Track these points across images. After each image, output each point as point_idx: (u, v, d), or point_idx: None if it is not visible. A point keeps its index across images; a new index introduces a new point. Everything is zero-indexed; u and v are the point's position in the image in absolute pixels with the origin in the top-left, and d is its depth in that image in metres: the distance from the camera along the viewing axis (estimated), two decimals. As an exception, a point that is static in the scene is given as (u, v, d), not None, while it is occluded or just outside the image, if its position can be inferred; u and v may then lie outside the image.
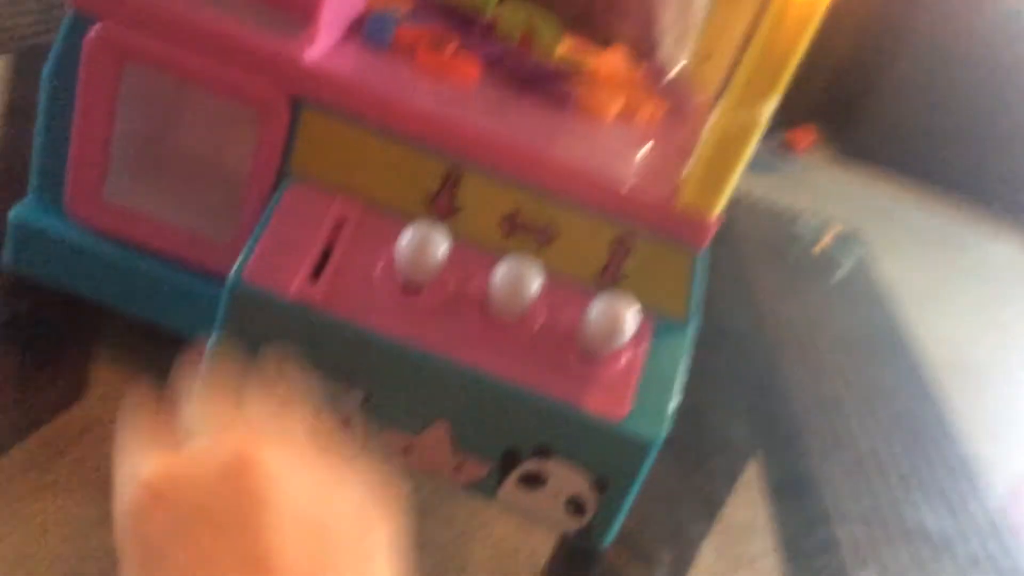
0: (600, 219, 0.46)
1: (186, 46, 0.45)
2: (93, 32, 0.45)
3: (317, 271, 0.45)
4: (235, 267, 0.44)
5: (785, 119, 2.98)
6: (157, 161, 0.52)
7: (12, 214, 0.49)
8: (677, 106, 0.58)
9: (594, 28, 0.80)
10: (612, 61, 0.60)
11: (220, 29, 0.45)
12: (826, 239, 0.97)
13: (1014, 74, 2.65)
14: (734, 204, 1.03)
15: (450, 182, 0.46)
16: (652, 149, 0.52)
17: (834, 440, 0.83)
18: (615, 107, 0.55)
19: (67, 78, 0.46)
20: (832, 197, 2.49)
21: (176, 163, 0.53)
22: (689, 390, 0.47)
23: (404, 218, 0.46)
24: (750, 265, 0.96)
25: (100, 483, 0.49)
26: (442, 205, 0.47)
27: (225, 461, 0.24)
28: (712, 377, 0.86)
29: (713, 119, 0.44)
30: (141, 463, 0.25)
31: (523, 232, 0.47)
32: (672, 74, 0.60)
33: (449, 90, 0.50)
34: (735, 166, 0.44)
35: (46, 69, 0.47)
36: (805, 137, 2.99)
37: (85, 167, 0.48)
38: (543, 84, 0.54)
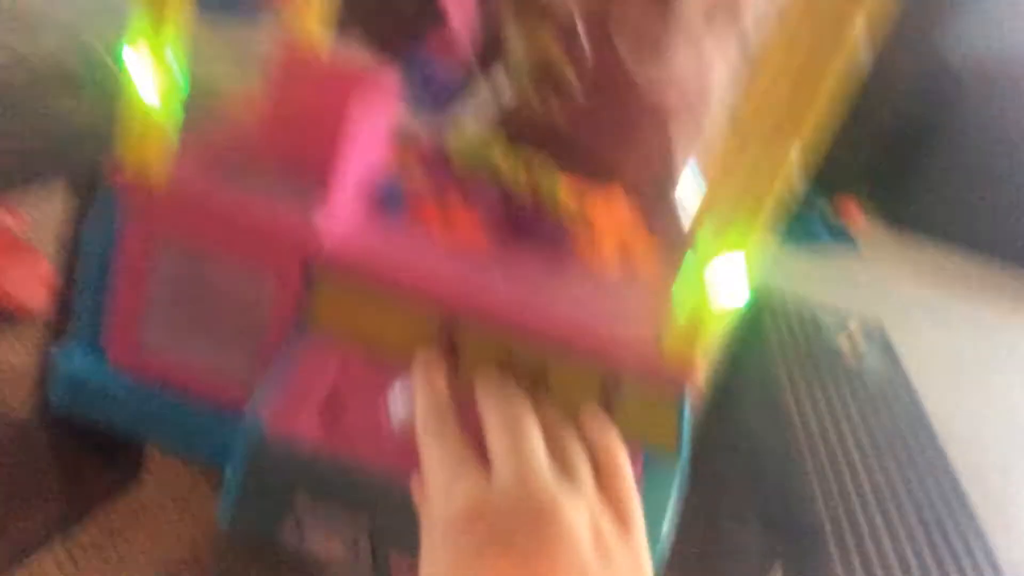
0: (588, 363, 0.50)
1: (212, 221, 0.50)
2: (132, 215, 0.50)
3: (325, 412, 0.49)
4: (249, 409, 0.48)
5: (831, 189, 3.00)
6: (188, 313, 0.57)
7: (58, 360, 0.55)
8: (672, 245, 0.61)
9: (597, 166, 0.84)
10: (609, 203, 0.64)
11: (241, 206, 0.50)
12: (851, 329, 0.98)
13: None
14: (761, 291, 1.06)
15: (447, 333, 0.50)
16: (641, 291, 0.55)
17: (858, 546, 0.83)
18: (610, 250, 0.59)
19: (106, 242, 0.52)
20: (870, 273, 2.49)
21: (205, 315, 0.58)
22: (702, 495, 0.50)
23: (406, 364, 0.50)
24: (772, 357, 0.97)
25: (155, 562, 0.53)
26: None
27: (534, 507, 0.35)
28: (727, 480, 0.87)
29: (689, 261, 0.48)
30: (458, 479, 0.37)
31: (518, 376, 0.50)
32: (669, 213, 0.64)
33: (452, 245, 0.54)
34: (714, 310, 0.47)
35: (86, 233, 0.52)
36: (851, 207, 3.00)
37: (123, 320, 0.53)
38: (541, 230, 0.58)
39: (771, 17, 0.80)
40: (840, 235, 2.81)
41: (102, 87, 0.90)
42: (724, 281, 0.46)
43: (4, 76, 0.92)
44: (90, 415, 0.55)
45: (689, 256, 0.48)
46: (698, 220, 0.65)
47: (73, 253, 0.90)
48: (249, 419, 0.48)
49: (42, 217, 1.56)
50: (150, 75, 0.48)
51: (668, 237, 0.62)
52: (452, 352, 0.50)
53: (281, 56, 0.58)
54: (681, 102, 0.87)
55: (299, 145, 0.59)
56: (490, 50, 0.94)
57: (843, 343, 0.95)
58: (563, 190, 0.64)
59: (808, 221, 2.77)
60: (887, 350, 1.00)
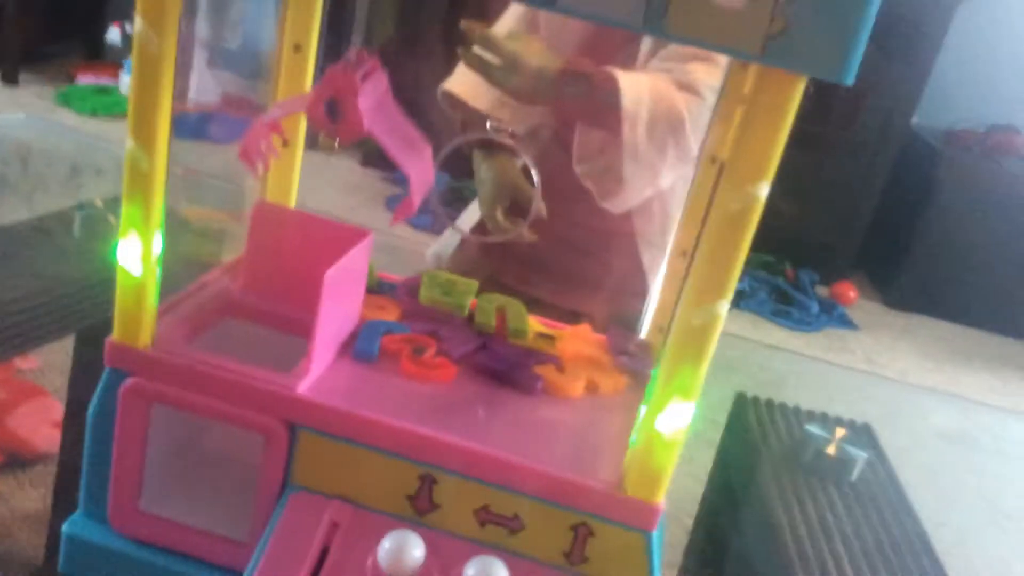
0: (559, 508, 0.53)
1: (200, 390, 0.54)
2: (126, 385, 0.54)
3: (316, 571, 0.52)
4: (246, 574, 0.51)
5: (828, 275, 3.04)
6: (182, 476, 0.61)
7: (65, 527, 0.58)
8: (636, 379, 0.65)
9: (569, 290, 0.90)
10: (576, 339, 0.68)
11: (226, 375, 0.54)
12: (839, 436, 1.00)
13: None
14: (745, 401, 1.07)
15: (427, 484, 0.54)
16: (608, 430, 0.59)
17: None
18: (578, 387, 0.62)
19: (106, 418, 0.56)
20: (867, 351, 2.50)
21: (198, 477, 0.61)
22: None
23: (390, 517, 0.53)
24: (764, 466, 0.99)
25: None
26: (422, 504, 0.54)
27: None
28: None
29: (642, 412, 0.51)
30: None
31: (494, 523, 0.53)
32: (633, 347, 0.68)
33: (428, 395, 0.58)
34: (671, 454, 0.51)
35: (90, 412, 0.57)
36: (849, 291, 3.04)
37: (123, 486, 0.57)
38: (513, 373, 0.62)
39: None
40: (838, 318, 2.84)
41: (101, 246, 0.96)
42: (670, 425, 0.49)
43: (11, 238, 0.98)
44: (94, 578, 0.58)
45: (642, 410, 0.51)
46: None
47: (79, 404, 0.94)
48: (244, 583, 0.51)
49: (53, 360, 1.61)
50: (137, 255, 0.52)
51: (636, 369, 0.66)
52: (431, 505, 0.53)
53: (259, 219, 0.64)
54: (648, 227, 0.92)
55: (279, 304, 0.63)
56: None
57: (832, 452, 0.97)
58: (533, 330, 0.68)
59: (806, 307, 2.81)
60: (877, 454, 1.01)
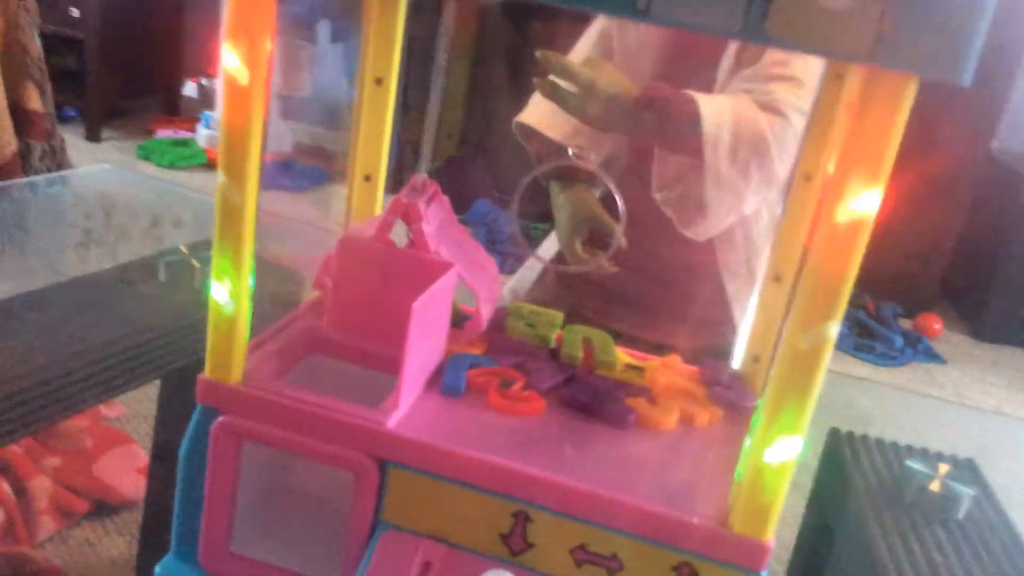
0: (660, 546, 0.50)
1: (291, 427, 0.53)
2: (218, 423, 0.54)
3: (409, 615, 0.50)
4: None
5: (911, 307, 2.94)
6: (273, 515, 0.60)
7: (157, 570, 0.58)
8: (731, 410, 0.62)
9: (652, 324, 0.87)
10: (667, 370, 0.66)
11: (317, 411, 0.53)
12: (944, 473, 0.95)
13: None
14: (839, 437, 1.02)
15: (520, 522, 0.52)
16: (707, 464, 0.56)
17: None
18: (672, 420, 0.60)
19: (198, 456, 0.55)
20: (956, 387, 2.39)
21: (289, 517, 0.61)
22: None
23: (483, 557, 0.52)
24: (862, 506, 0.94)
25: None
26: (515, 543, 0.52)
27: None
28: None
29: (747, 444, 0.48)
30: None
31: (592, 562, 0.51)
32: (726, 377, 0.65)
33: (517, 429, 0.56)
34: (779, 487, 0.48)
35: (182, 451, 0.56)
36: (932, 323, 2.92)
37: (215, 527, 0.56)
38: (603, 405, 0.60)
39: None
40: (924, 351, 2.74)
41: (184, 292, 0.98)
42: (781, 462, 0.47)
43: (96, 287, 1.00)
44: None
45: (747, 442, 0.49)
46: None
47: (165, 449, 0.95)
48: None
49: (137, 408, 1.64)
50: (229, 291, 0.52)
51: (731, 400, 0.63)
52: (526, 544, 0.52)
53: (344, 253, 0.63)
54: (731, 256, 0.89)
55: (364, 339, 0.63)
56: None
57: (936, 489, 0.91)
58: (620, 361, 0.66)
59: (890, 341, 2.71)
60: (983, 490, 0.96)
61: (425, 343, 0.58)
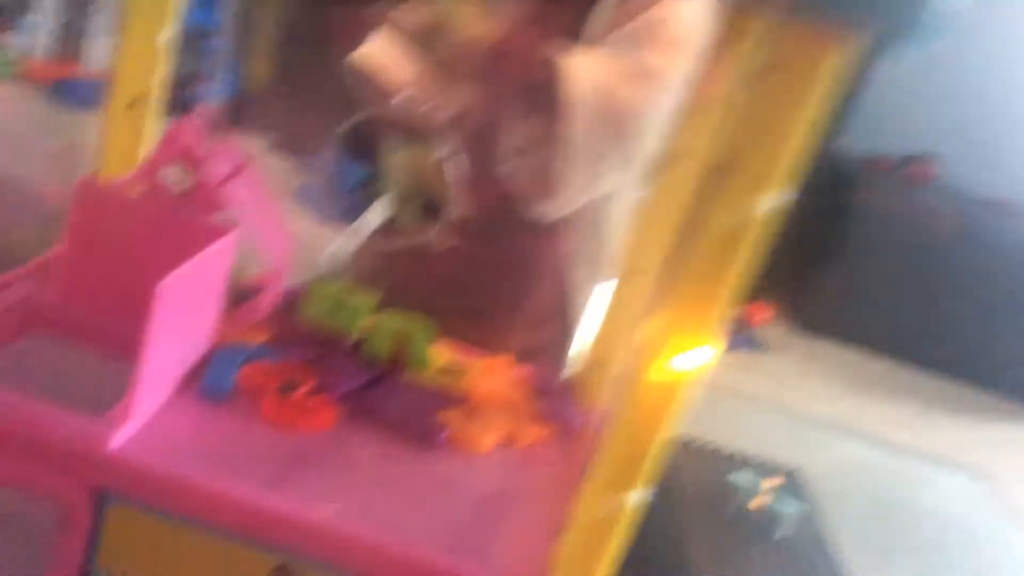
0: (460, 615, 0.39)
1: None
2: None
3: None
4: None
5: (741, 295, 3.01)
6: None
7: None
8: (562, 429, 0.52)
9: (483, 317, 0.77)
10: (490, 375, 0.55)
11: (11, 416, 0.39)
12: (766, 490, 0.90)
13: (957, 242, 2.71)
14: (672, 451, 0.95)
15: (282, 577, 0.40)
16: (527, 502, 0.46)
17: None
18: (490, 439, 0.49)
19: None
20: (780, 379, 2.46)
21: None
22: None
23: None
24: (684, 521, 0.89)
25: None
26: (276, 606, 0.40)
27: None
28: None
29: (580, 508, 0.38)
30: None
31: (372, 632, 0.40)
32: (556, 387, 0.55)
33: (293, 452, 0.44)
34: (614, 547, 0.38)
35: None
36: (761, 312, 3.00)
37: None
38: (410, 420, 0.48)
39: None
40: (750, 341, 2.80)
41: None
42: (620, 516, 0.37)
43: None
44: None
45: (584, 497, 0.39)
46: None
47: None
48: None
49: None
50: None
51: (560, 418, 0.53)
52: (285, 608, 0.40)
53: (84, 203, 0.48)
54: (577, 242, 0.79)
55: (104, 316, 0.48)
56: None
57: (758, 507, 0.87)
58: (437, 361, 0.55)
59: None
60: (806, 504, 0.92)
61: (180, 330, 0.45)
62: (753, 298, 3.08)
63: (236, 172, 0.50)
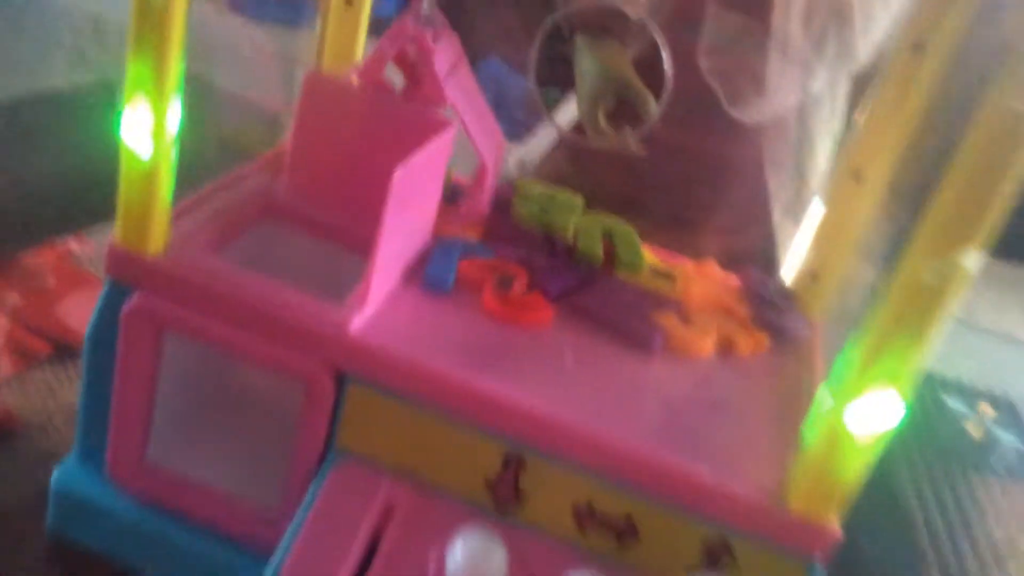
0: (689, 516, 0.39)
1: (223, 317, 0.41)
2: (130, 302, 0.41)
3: (362, 569, 0.39)
4: (273, 563, 0.39)
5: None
6: (201, 426, 0.49)
7: (54, 478, 0.46)
8: (782, 339, 0.50)
9: (680, 221, 0.74)
10: (702, 279, 0.53)
11: (257, 301, 0.40)
12: (982, 412, 0.84)
13: None
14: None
15: (512, 466, 0.40)
16: (754, 409, 0.44)
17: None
18: (708, 345, 0.48)
19: (107, 345, 0.43)
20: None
21: (221, 429, 0.49)
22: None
23: (461, 504, 0.40)
24: (892, 448, 0.85)
25: None
26: (504, 491, 0.41)
27: None
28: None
29: (822, 398, 0.37)
30: None
31: (599, 526, 0.40)
32: (773, 294, 0.53)
33: (516, 345, 0.44)
34: (861, 463, 0.36)
35: (86, 335, 0.44)
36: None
37: (126, 432, 0.44)
38: (626, 321, 0.48)
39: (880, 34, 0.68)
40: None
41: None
42: (869, 423, 0.35)
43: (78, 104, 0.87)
44: (90, 542, 0.47)
45: (823, 392, 0.37)
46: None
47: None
48: None
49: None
50: (146, 129, 0.39)
51: (781, 326, 0.51)
52: (517, 494, 0.40)
53: (311, 96, 0.49)
54: (781, 147, 0.75)
55: (332, 207, 0.49)
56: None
57: (972, 429, 0.81)
58: (647, 263, 0.53)
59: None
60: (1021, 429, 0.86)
61: (407, 221, 0.45)
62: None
63: (454, 68, 0.50)
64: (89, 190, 0.78)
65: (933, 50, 0.47)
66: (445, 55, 0.49)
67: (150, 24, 0.37)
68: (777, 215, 0.76)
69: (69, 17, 1.67)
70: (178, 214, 0.44)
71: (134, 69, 0.38)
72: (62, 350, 1.16)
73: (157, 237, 0.42)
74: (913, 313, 0.33)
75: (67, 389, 1.37)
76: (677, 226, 0.72)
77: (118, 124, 0.39)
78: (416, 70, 0.48)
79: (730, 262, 0.58)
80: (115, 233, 0.41)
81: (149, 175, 0.40)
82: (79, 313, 1.51)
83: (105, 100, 0.87)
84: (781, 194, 0.78)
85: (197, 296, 0.41)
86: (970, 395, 0.87)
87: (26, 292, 1.47)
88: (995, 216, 0.32)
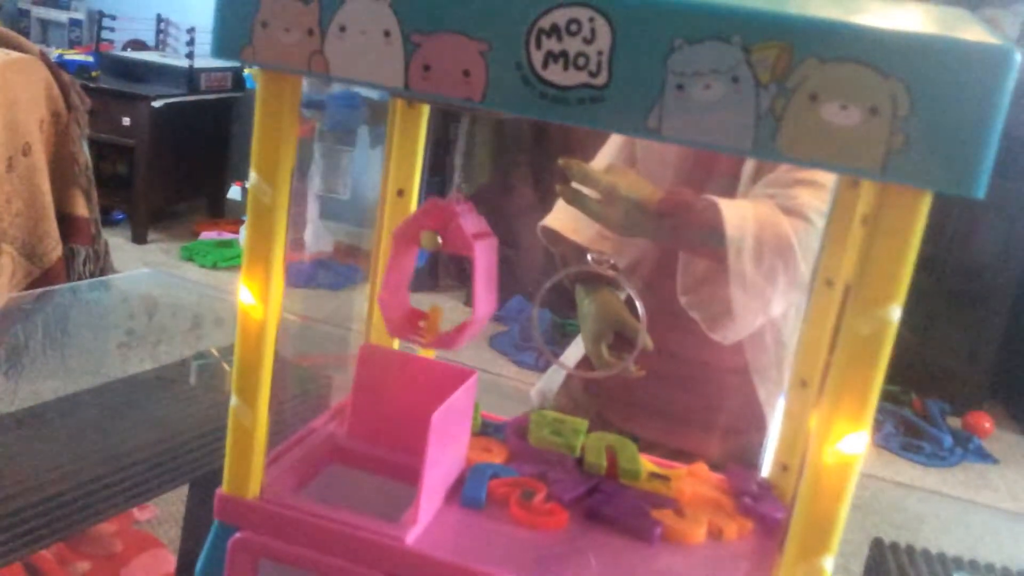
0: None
1: (307, 543, 0.53)
2: (234, 540, 0.53)
3: None
4: None
5: (959, 404, 2.85)
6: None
7: None
8: (762, 523, 0.60)
9: (679, 430, 0.86)
10: (693, 479, 0.64)
11: (332, 527, 0.52)
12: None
13: None
14: (883, 548, 0.98)
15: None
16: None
17: None
18: (700, 533, 0.58)
19: (216, 570, 0.54)
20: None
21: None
22: None
23: None
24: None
25: None
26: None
27: None
28: None
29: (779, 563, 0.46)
30: None
31: None
32: (755, 487, 0.63)
33: (540, 544, 0.55)
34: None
35: (199, 567, 0.56)
36: (982, 421, 2.82)
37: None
38: (628, 518, 0.58)
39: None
40: (975, 451, 2.64)
41: (216, 394, 0.98)
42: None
43: (133, 388, 1.01)
44: None
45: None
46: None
47: (191, 556, 0.94)
48: None
49: (170, 511, 1.63)
50: (250, 404, 0.52)
51: (761, 512, 0.61)
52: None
53: (364, 362, 0.63)
54: (761, 357, 0.88)
55: (385, 448, 0.62)
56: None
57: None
58: (645, 470, 0.64)
59: (939, 440, 2.62)
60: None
61: (445, 453, 0.58)
62: (973, 406, 2.91)
63: (480, 234, 0.62)
64: (160, 464, 0.92)
65: (839, 284, 0.60)
66: (471, 223, 0.60)
67: (251, 328, 0.52)
68: (769, 417, 0.88)
69: (124, 306, 1.87)
70: (270, 461, 0.57)
71: (240, 360, 0.52)
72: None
73: (254, 484, 0.54)
74: (859, 358, 0.43)
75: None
76: (678, 434, 0.83)
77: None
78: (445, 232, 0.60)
79: (728, 459, 0.68)
80: (223, 482, 0.54)
81: (250, 435, 0.53)
82: (141, 574, 1.60)
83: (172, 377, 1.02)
84: (771, 399, 0.89)
85: (285, 528, 0.53)
86: (982, 573, 0.93)
87: (94, 558, 1.59)
88: (870, 407, 0.43)
